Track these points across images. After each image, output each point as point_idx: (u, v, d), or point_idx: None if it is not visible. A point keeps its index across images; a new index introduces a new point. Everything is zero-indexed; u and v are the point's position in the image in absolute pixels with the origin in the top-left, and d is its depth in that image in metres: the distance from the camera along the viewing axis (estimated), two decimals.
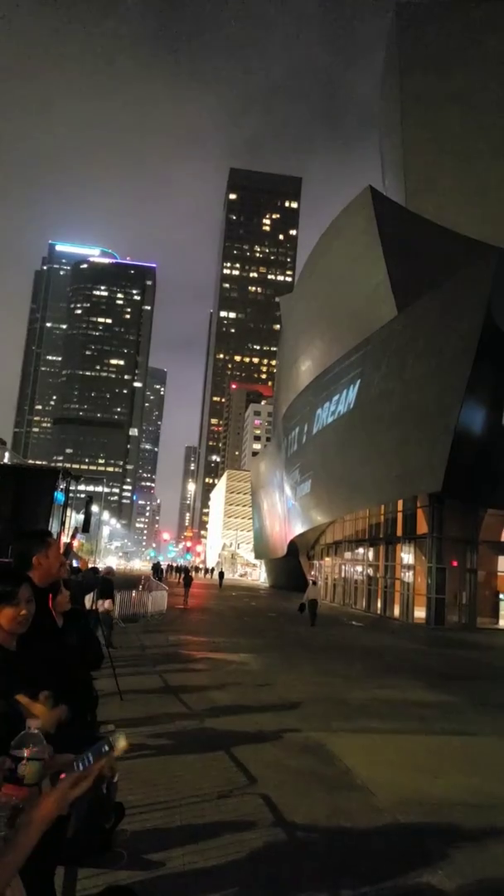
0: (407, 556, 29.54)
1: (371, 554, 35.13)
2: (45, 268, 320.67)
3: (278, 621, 24.84)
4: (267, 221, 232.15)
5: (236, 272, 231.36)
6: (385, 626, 26.31)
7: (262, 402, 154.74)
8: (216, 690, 9.63)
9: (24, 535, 2.89)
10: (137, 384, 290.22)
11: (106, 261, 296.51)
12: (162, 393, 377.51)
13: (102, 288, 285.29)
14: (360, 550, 36.71)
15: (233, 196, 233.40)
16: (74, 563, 14.15)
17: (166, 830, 4.34)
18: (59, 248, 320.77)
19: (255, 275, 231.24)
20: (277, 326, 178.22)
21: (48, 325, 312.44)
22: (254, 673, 11.75)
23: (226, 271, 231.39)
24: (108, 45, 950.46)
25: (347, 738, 7.27)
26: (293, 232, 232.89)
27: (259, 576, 79.31)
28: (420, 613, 27.07)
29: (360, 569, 36.83)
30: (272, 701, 9.21)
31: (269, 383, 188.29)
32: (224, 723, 7.55)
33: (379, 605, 32.61)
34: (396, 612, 29.75)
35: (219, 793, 5.11)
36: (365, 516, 35.10)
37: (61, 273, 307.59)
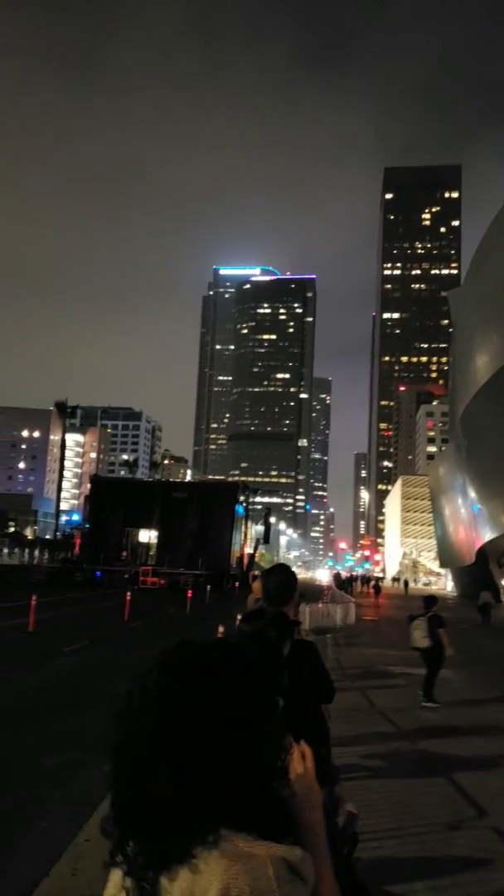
0: None
1: None
2: (211, 293, 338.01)
3: (472, 633, 23.46)
4: (426, 216, 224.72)
5: (398, 272, 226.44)
6: None
7: (435, 403, 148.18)
8: (422, 708, 9.25)
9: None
10: (304, 395, 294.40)
11: (267, 278, 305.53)
12: (328, 402, 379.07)
13: (265, 305, 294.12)
14: None
15: (389, 196, 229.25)
16: None
17: (399, 861, 4.17)
18: (223, 272, 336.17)
19: (418, 271, 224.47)
20: (445, 322, 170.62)
21: (217, 346, 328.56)
22: (457, 690, 11.15)
23: (386, 272, 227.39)
24: (258, 70, 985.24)
25: None
26: (455, 223, 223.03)
27: (445, 584, 75.92)
28: None
29: None
30: (484, 722, 8.64)
31: (441, 381, 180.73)
32: (438, 745, 7.19)
33: None
34: None
35: (447, 823, 4.82)
36: None
37: (226, 296, 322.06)
